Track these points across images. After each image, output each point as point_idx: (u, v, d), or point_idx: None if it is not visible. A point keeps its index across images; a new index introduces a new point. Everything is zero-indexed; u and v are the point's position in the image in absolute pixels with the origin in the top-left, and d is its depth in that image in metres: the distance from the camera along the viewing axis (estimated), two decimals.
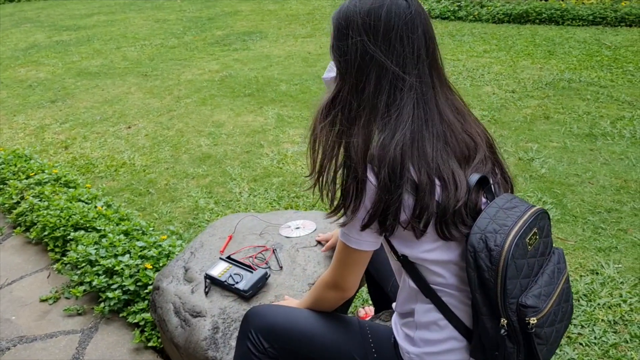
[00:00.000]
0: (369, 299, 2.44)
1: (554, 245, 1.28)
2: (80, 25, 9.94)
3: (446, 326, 1.27)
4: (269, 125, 4.55)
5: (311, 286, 1.86)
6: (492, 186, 1.25)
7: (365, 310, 2.32)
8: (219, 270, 1.89)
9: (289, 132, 4.37)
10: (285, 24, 8.93)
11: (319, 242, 2.05)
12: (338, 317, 1.51)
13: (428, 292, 1.28)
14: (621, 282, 2.44)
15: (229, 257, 1.94)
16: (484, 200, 1.23)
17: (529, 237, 1.15)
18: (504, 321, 1.14)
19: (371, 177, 1.15)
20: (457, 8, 8.84)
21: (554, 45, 6.53)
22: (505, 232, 1.13)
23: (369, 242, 1.25)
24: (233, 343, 1.71)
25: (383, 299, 1.97)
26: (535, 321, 1.13)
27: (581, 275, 2.50)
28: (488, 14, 8.41)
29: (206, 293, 1.86)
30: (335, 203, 1.24)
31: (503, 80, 5.31)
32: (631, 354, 2.07)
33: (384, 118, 1.16)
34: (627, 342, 2.13)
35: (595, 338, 2.16)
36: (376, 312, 2.03)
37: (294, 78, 5.85)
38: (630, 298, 2.34)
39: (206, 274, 1.89)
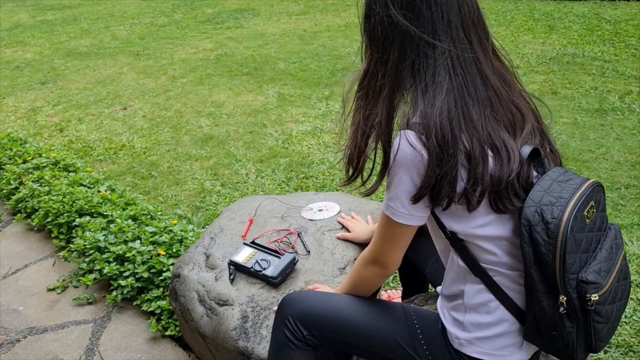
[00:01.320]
0: (390, 281, 2.38)
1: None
2: (65, 4, 9.65)
3: (498, 308, 1.21)
4: (270, 105, 4.43)
5: (342, 270, 1.79)
6: (544, 160, 1.19)
7: (388, 294, 2.25)
8: (244, 256, 1.80)
9: (291, 111, 4.26)
10: (277, 1, 8.74)
11: (341, 224, 1.97)
12: (380, 302, 1.43)
13: (478, 271, 1.21)
14: None
15: (253, 242, 1.86)
16: (535, 173, 1.16)
17: (586, 210, 1.09)
18: (563, 298, 1.08)
19: (419, 147, 1.08)
20: None
21: (553, 19, 6.44)
22: (563, 204, 1.07)
23: (417, 217, 1.18)
24: (264, 332, 1.64)
25: (416, 281, 1.90)
26: (597, 298, 1.07)
27: None
28: None
29: (231, 280, 1.78)
30: (372, 176, 1.22)
31: (506, 56, 5.21)
32: None
33: (415, 87, 1.12)
34: None
35: (625, 317, 2.11)
36: (406, 295, 1.96)
37: (292, 56, 5.71)
38: None
39: (230, 261, 1.80)
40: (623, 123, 3.67)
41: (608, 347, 1.99)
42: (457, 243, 1.22)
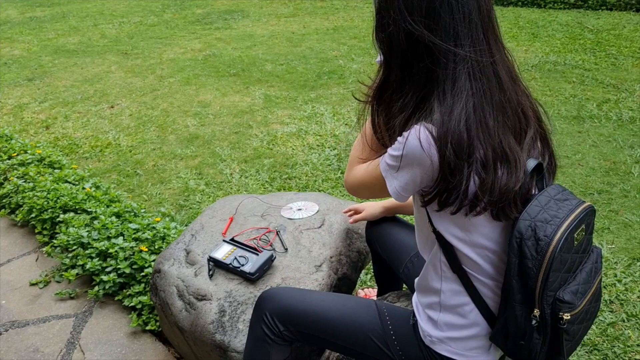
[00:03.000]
0: (368, 280, 2.44)
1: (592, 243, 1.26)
2: (54, 1, 9.64)
3: (472, 311, 1.24)
4: (256, 106, 4.48)
5: (318, 268, 1.85)
6: (544, 173, 1.19)
7: (365, 292, 2.31)
8: (223, 252, 1.85)
9: (277, 113, 4.32)
10: (266, 2, 8.79)
11: (347, 213, 1.94)
12: (355, 299, 1.49)
13: (460, 272, 1.23)
14: (615, 262, 2.48)
15: (232, 239, 1.91)
16: (534, 188, 1.17)
17: (577, 233, 1.11)
18: (537, 312, 1.11)
19: (432, 150, 1.06)
20: None
21: (537, 27, 6.55)
22: (557, 223, 1.08)
23: (404, 196, 1.17)
24: (241, 326, 1.69)
25: (391, 281, 1.96)
26: (569, 317, 1.10)
27: None
28: None
29: (210, 276, 1.83)
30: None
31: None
32: (628, 333, 2.10)
33: (436, 95, 1.09)
34: (623, 321, 2.16)
35: None
36: (380, 293, 2.02)
37: (279, 58, 5.77)
38: (625, 278, 2.38)
39: (210, 257, 1.85)
40: (599, 130, 3.77)
41: None
42: (443, 240, 1.22)
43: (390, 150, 1.15)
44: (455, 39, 1.07)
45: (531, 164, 1.12)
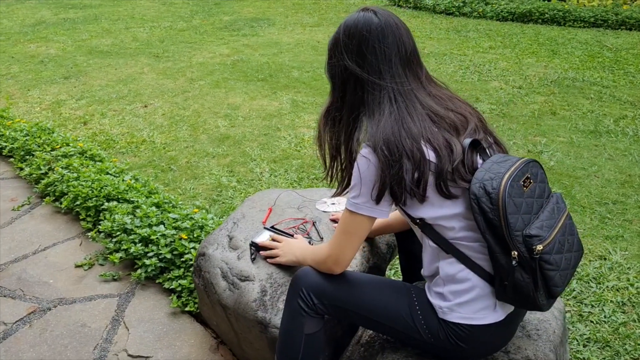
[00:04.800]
0: (392, 275, 2.59)
1: (552, 191, 1.51)
2: (86, 3, 9.94)
3: (469, 275, 1.45)
4: (284, 110, 4.67)
5: None
6: (487, 150, 1.47)
7: None
8: (264, 238, 2.01)
9: (304, 117, 4.50)
10: (292, 12, 9.02)
11: (333, 221, 2.16)
12: (386, 279, 1.66)
13: (447, 247, 1.46)
14: (628, 268, 2.61)
15: (272, 227, 2.07)
16: (480, 160, 1.44)
17: (522, 180, 1.36)
18: (514, 253, 1.32)
19: (371, 157, 1.38)
20: (461, 4, 8.98)
21: (557, 45, 6.70)
22: (500, 177, 1.34)
23: (378, 210, 1.44)
24: (280, 305, 1.85)
25: (416, 271, 2.11)
26: (542, 248, 1.31)
27: (590, 260, 2.67)
28: (492, 12, 8.56)
29: (252, 260, 1.99)
30: (345, 184, 1.60)
31: (510, 77, 5.47)
32: (639, 332, 2.24)
33: (366, 114, 1.45)
34: (635, 321, 2.30)
35: (605, 317, 2.33)
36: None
37: (305, 65, 5.96)
38: (637, 282, 2.51)
39: (252, 242, 2.01)
40: (616, 145, 3.90)
41: (587, 342, 2.20)
42: (426, 227, 1.47)
43: (349, 195, 1.47)
44: (378, 73, 1.43)
45: (467, 141, 1.42)
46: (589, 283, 2.52)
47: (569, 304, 2.40)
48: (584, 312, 2.35)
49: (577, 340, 2.20)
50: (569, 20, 7.92)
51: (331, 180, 1.64)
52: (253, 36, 7.40)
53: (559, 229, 1.38)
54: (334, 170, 1.62)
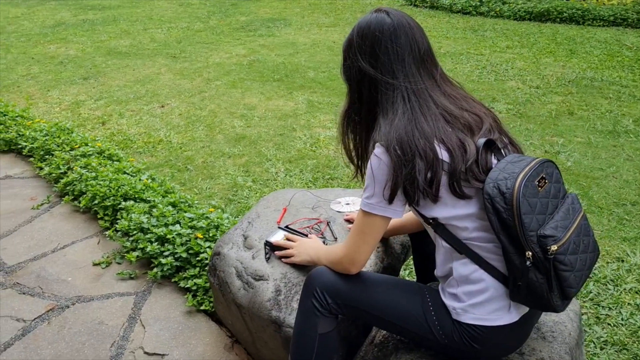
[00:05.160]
0: (406, 275, 2.59)
1: (568, 191, 1.49)
2: (105, 5, 10.06)
3: (482, 275, 1.44)
4: (299, 110, 4.68)
5: None
6: (502, 150, 1.47)
7: None
8: (279, 238, 2.02)
9: (319, 117, 4.51)
10: (308, 12, 9.03)
11: (347, 221, 2.17)
12: (399, 279, 1.65)
13: (461, 247, 1.45)
14: None
15: (287, 227, 2.08)
16: (495, 161, 1.43)
17: (537, 180, 1.35)
18: (528, 254, 1.32)
19: (384, 157, 1.39)
20: (478, 3, 8.93)
21: (575, 44, 6.63)
22: (514, 177, 1.33)
23: (392, 210, 1.44)
24: (294, 305, 1.86)
25: (430, 272, 2.11)
26: (557, 248, 1.30)
27: (607, 262, 2.64)
28: (509, 11, 8.50)
29: (267, 259, 2.00)
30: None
31: (527, 76, 5.43)
32: None
33: (380, 114, 1.46)
34: None
35: (622, 320, 2.30)
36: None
37: (321, 66, 5.97)
38: None
39: (266, 241, 2.02)
40: (635, 145, 3.85)
41: (604, 344, 2.18)
42: (439, 227, 1.47)
43: (363, 195, 1.47)
44: (391, 73, 1.45)
45: (481, 141, 1.42)
46: (606, 285, 2.50)
47: (586, 306, 2.37)
48: (601, 314, 2.33)
49: (594, 343, 2.18)
50: (587, 19, 7.83)
51: (355, 176, 1.67)
52: (269, 36, 7.43)
53: (574, 230, 1.37)
54: (362, 171, 1.63)
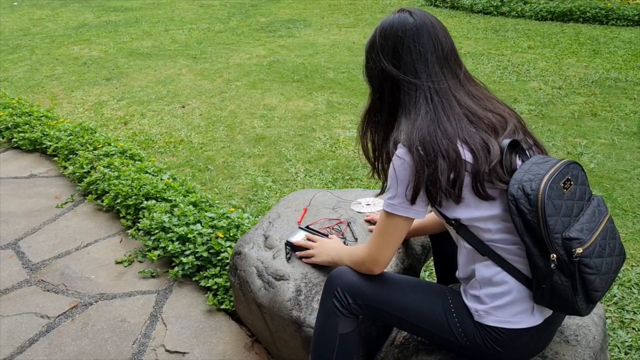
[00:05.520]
0: (426, 277, 2.58)
1: (592, 193, 1.47)
2: (127, 6, 10.19)
3: (506, 277, 1.43)
4: (319, 111, 4.69)
5: None
6: (527, 151, 1.45)
7: None
8: (299, 238, 2.03)
9: (339, 118, 4.51)
10: (327, 13, 9.04)
11: (368, 222, 2.16)
12: (421, 280, 1.65)
13: (483, 249, 1.44)
14: None
15: (307, 227, 2.09)
16: (519, 162, 1.42)
17: (562, 182, 1.34)
18: (553, 256, 1.30)
19: (406, 157, 1.38)
20: (499, 3, 8.85)
21: (598, 44, 6.54)
22: (539, 178, 1.32)
23: (414, 210, 1.43)
24: (315, 305, 1.86)
25: (450, 273, 2.10)
26: (582, 251, 1.28)
27: (632, 266, 2.60)
28: (531, 11, 8.41)
29: (288, 259, 2.01)
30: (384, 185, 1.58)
31: (549, 77, 5.37)
32: None
33: (402, 114, 1.45)
34: None
35: None
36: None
37: (341, 66, 5.97)
38: None
39: (287, 241, 2.03)
40: None
41: (629, 349, 2.15)
42: (462, 228, 1.46)
43: (385, 196, 1.46)
44: (414, 73, 1.44)
45: (506, 141, 1.41)
46: (630, 289, 2.46)
47: (610, 310, 2.34)
48: (625, 318, 2.30)
49: (618, 348, 2.15)
50: (611, 18, 7.72)
51: (379, 179, 1.66)
52: (289, 37, 7.45)
53: (599, 232, 1.35)
54: (379, 171, 1.64)
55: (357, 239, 2.08)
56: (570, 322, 1.70)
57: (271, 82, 5.53)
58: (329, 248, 1.86)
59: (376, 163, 1.63)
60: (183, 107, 4.96)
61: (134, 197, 3.09)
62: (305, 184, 3.48)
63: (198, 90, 5.37)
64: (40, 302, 2.52)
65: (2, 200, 3.43)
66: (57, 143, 3.96)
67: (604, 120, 4.28)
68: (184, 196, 3.09)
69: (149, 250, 2.78)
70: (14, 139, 4.18)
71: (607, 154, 3.72)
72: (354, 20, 8.46)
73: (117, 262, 2.80)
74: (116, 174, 3.33)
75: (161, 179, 3.30)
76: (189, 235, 2.68)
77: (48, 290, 2.60)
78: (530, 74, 5.47)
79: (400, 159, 1.39)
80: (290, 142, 4.10)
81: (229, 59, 6.47)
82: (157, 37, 7.70)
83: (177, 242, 2.70)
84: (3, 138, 4.32)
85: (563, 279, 1.32)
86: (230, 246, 2.58)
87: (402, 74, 1.44)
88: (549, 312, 1.45)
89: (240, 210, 3.04)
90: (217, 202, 3.06)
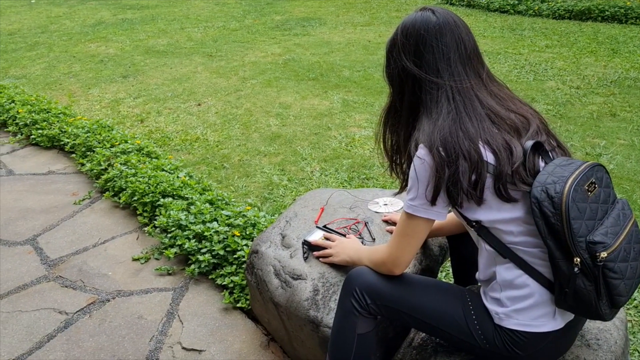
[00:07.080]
0: (442, 277, 2.56)
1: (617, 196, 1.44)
2: (143, 4, 10.24)
3: (528, 281, 1.41)
4: (334, 109, 4.68)
5: None
6: (550, 153, 1.43)
7: None
8: (317, 237, 2.02)
9: (354, 117, 4.50)
10: (342, 11, 9.02)
11: (386, 222, 2.15)
12: (439, 281, 1.63)
13: (505, 251, 1.43)
14: None
15: (325, 226, 2.08)
16: (542, 164, 1.40)
17: (587, 185, 1.32)
18: (577, 260, 1.28)
19: (427, 157, 1.36)
20: (516, 2, 8.78)
21: (617, 43, 6.45)
22: (563, 181, 1.29)
23: (435, 212, 1.42)
24: (332, 305, 1.85)
25: (468, 275, 2.08)
26: (606, 255, 1.26)
27: None
28: (548, 10, 8.33)
29: (305, 258, 2.01)
30: (403, 185, 1.58)
31: (567, 76, 5.31)
32: None
33: (424, 114, 1.43)
34: None
35: None
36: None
37: (356, 65, 5.96)
38: None
39: (304, 240, 2.03)
40: None
41: None
42: (483, 230, 1.44)
43: (406, 197, 1.45)
44: (436, 72, 1.42)
45: (529, 143, 1.38)
46: None
47: (630, 314, 2.31)
48: None
49: (639, 352, 2.12)
50: (631, 17, 7.62)
51: (398, 177, 1.65)
52: (304, 35, 7.45)
53: (624, 236, 1.33)
54: (396, 171, 1.63)
55: (374, 239, 2.07)
56: (592, 325, 1.68)
57: (286, 81, 5.53)
58: (347, 248, 1.85)
59: (394, 162, 1.62)
60: (199, 104, 4.98)
61: (150, 194, 3.11)
62: (321, 183, 3.47)
63: (214, 88, 5.39)
64: (59, 298, 2.54)
65: (21, 197, 3.47)
66: (74, 140, 3.99)
67: (623, 121, 4.23)
68: (200, 194, 3.10)
69: (166, 248, 2.80)
70: (33, 136, 4.22)
71: (626, 155, 3.67)
72: (369, 18, 8.43)
73: (134, 259, 2.81)
74: (133, 171, 3.35)
75: (177, 177, 3.31)
76: (206, 233, 2.68)
77: (66, 287, 2.62)
78: (548, 74, 5.42)
79: (421, 160, 1.38)
80: (305, 141, 4.10)
81: (245, 57, 6.48)
82: (173, 34, 7.74)
83: (194, 240, 2.71)
84: (22, 135, 4.37)
85: (586, 283, 1.30)
86: (246, 244, 2.58)
87: (424, 73, 1.42)
88: (570, 316, 1.43)
89: (256, 208, 3.04)
90: (233, 200, 3.07)
